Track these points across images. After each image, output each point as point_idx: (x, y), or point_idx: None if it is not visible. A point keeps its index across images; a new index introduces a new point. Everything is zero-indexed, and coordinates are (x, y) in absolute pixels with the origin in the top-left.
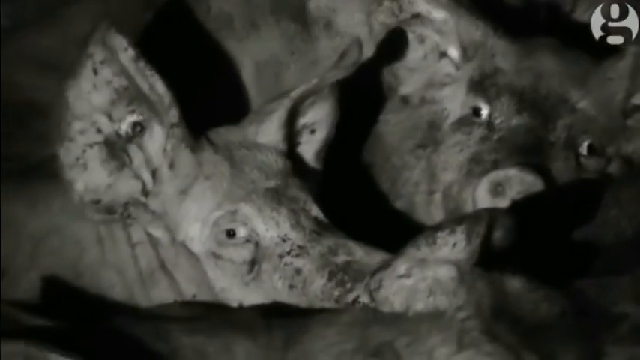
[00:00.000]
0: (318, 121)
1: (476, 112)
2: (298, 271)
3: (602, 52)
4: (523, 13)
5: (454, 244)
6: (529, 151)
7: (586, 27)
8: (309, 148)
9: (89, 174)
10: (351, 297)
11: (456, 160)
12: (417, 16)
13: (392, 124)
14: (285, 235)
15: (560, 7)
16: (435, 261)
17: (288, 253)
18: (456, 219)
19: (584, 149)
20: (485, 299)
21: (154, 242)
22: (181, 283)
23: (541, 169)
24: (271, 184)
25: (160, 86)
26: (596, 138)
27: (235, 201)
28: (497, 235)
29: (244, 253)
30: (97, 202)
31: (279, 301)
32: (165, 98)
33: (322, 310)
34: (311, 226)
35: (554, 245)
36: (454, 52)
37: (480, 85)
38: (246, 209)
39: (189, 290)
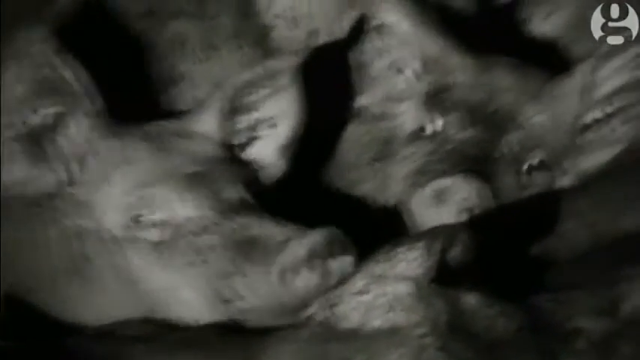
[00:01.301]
0: (278, 115)
1: (428, 125)
2: (208, 248)
3: (557, 62)
4: (483, 23)
5: (412, 261)
6: (476, 163)
7: (542, 38)
8: (270, 142)
9: (13, 167)
10: (255, 269)
11: (405, 171)
12: (384, 25)
13: (350, 141)
14: (199, 214)
15: (517, 16)
16: (393, 277)
17: (202, 230)
18: (415, 235)
19: (534, 163)
20: (442, 316)
21: (80, 233)
22: (103, 271)
23: (486, 178)
24: (194, 169)
25: (83, 76)
26: (547, 153)
27: (151, 184)
28: (455, 251)
29: (157, 233)
30: (23, 194)
31: (188, 278)
32: (88, 88)
33: (279, 328)
34: (227, 205)
35: (511, 260)
36: (415, 66)
37: (434, 99)
38: (160, 191)
39: (109, 279)
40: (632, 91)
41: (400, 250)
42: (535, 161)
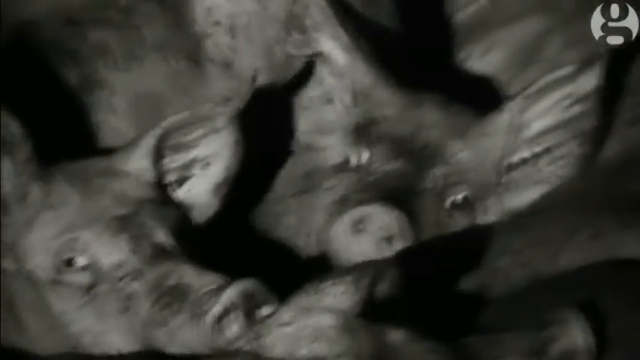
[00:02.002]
0: (212, 155)
1: (353, 157)
2: (131, 296)
3: (494, 100)
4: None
5: (339, 295)
6: (398, 194)
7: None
8: (202, 182)
9: None
10: (178, 320)
11: (327, 202)
12: (319, 54)
13: (280, 174)
14: (123, 260)
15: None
16: (319, 309)
17: (125, 277)
18: (342, 270)
19: (458, 199)
20: (365, 349)
21: (5, 274)
22: (23, 314)
23: (407, 210)
24: (122, 211)
25: (12, 124)
26: (470, 190)
27: (77, 229)
28: (383, 287)
29: (83, 279)
30: None
31: (113, 324)
32: (17, 136)
33: (206, 356)
34: (151, 251)
35: (441, 296)
36: (345, 98)
37: (361, 132)
38: (86, 236)
39: (32, 320)
40: (560, 131)
41: (327, 284)
42: (458, 197)
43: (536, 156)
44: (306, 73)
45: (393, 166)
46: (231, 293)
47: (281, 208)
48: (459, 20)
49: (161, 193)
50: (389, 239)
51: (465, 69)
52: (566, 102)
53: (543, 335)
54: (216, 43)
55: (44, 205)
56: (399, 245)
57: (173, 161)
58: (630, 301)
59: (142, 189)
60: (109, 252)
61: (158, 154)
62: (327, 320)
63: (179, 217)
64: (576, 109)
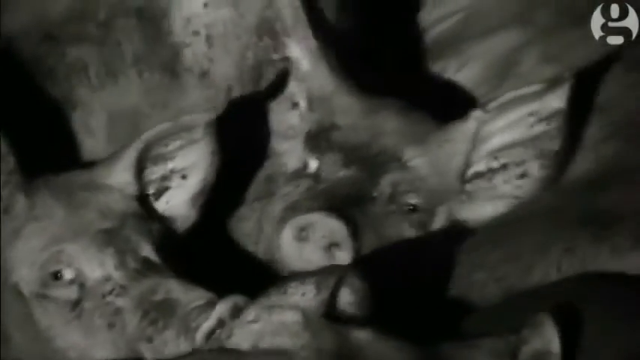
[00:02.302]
0: (189, 166)
1: (306, 165)
2: (118, 311)
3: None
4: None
5: (303, 294)
6: (349, 202)
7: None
8: (180, 193)
9: None
10: (165, 335)
11: (278, 209)
12: (287, 59)
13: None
14: (109, 274)
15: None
16: (283, 306)
17: (110, 292)
18: (308, 271)
19: (410, 206)
20: (327, 344)
21: None
22: (9, 327)
23: (351, 217)
24: (106, 225)
25: None
26: (425, 197)
27: (62, 242)
28: (346, 292)
29: (69, 293)
30: None
31: (99, 339)
32: (0, 148)
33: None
34: (136, 266)
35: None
36: (303, 103)
37: (315, 139)
38: (71, 250)
39: (17, 334)
40: (520, 149)
41: (292, 284)
42: (411, 204)
43: (492, 171)
44: (279, 82)
45: (345, 173)
46: (221, 309)
47: (242, 213)
48: (435, 34)
49: (144, 206)
50: (332, 247)
51: (441, 83)
52: (530, 120)
53: (515, 338)
54: (194, 52)
55: (29, 218)
56: (342, 254)
57: (152, 173)
58: (603, 310)
59: (126, 202)
60: (95, 266)
61: (140, 167)
62: (290, 316)
63: (162, 230)
64: (539, 129)
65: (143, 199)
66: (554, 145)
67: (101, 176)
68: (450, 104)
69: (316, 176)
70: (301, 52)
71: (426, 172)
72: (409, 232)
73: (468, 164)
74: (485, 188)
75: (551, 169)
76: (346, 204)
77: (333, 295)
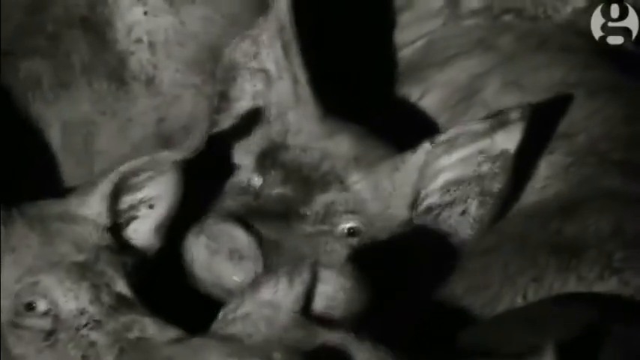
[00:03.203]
0: (156, 196)
1: (250, 181)
2: (92, 344)
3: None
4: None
5: (276, 289)
6: (272, 217)
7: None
8: (147, 223)
9: None
10: None
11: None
12: (263, 71)
13: None
14: (84, 308)
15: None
16: (252, 302)
17: (85, 326)
18: (284, 267)
19: (345, 228)
20: (297, 341)
21: None
22: None
23: (264, 232)
24: (80, 257)
25: None
26: (363, 221)
27: (37, 273)
28: (326, 289)
29: (43, 324)
30: None
31: None
32: None
33: None
34: (111, 302)
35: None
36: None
37: (264, 156)
38: (46, 282)
39: None
40: (465, 187)
41: (264, 279)
42: (346, 226)
43: (442, 206)
44: (251, 118)
45: (279, 191)
46: None
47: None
48: (399, 59)
49: (116, 238)
50: (239, 260)
51: (404, 110)
52: (479, 158)
53: None
54: (139, 60)
55: (5, 248)
56: (249, 267)
57: (123, 203)
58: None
59: (99, 234)
60: (70, 299)
61: (113, 199)
62: (260, 312)
63: (133, 262)
64: (486, 168)
65: (115, 230)
66: (496, 185)
67: (75, 207)
68: (412, 131)
69: (257, 194)
70: (276, 67)
71: (369, 196)
72: (341, 253)
73: (418, 196)
74: (433, 222)
75: (489, 210)
76: (268, 219)
77: (308, 291)
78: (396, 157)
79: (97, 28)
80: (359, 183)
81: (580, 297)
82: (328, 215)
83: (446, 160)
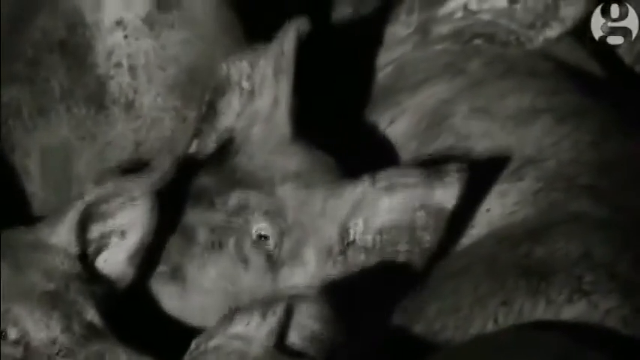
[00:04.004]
0: (128, 225)
1: None
2: None
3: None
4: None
5: (248, 323)
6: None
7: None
8: (118, 253)
9: None
10: None
11: None
12: (252, 92)
13: None
14: (55, 337)
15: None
16: (224, 336)
17: (57, 354)
18: (258, 302)
19: (258, 230)
20: None
21: None
22: None
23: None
24: (51, 286)
25: None
26: (277, 228)
27: (8, 301)
28: (305, 322)
29: (14, 352)
30: None
31: None
32: None
33: None
34: (82, 331)
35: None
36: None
37: (212, 159)
38: (17, 311)
39: None
40: (398, 233)
41: (239, 312)
42: (257, 231)
43: (374, 247)
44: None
45: (203, 180)
46: None
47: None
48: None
49: (86, 267)
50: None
51: (374, 137)
52: (416, 207)
53: None
54: (119, 84)
55: None
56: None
57: (93, 232)
58: None
59: (69, 263)
60: (41, 329)
61: (82, 227)
62: (232, 345)
63: (104, 291)
64: (421, 218)
65: (84, 259)
66: (426, 239)
67: (45, 235)
68: (381, 159)
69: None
70: (270, 96)
71: (291, 204)
72: (254, 256)
73: (347, 229)
74: (363, 261)
75: (415, 261)
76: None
77: (283, 325)
78: (335, 184)
79: (76, 51)
80: (287, 192)
81: (552, 323)
82: (241, 209)
83: (386, 203)
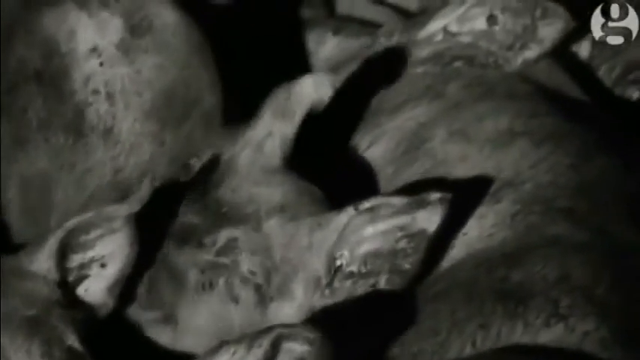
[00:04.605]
0: (108, 255)
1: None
2: None
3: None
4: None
5: (234, 353)
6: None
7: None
8: (98, 282)
9: None
10: None
11: None
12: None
13: None
14: None
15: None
16: None
17: None
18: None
19: (246, 270)
20: None
21: None
22: None
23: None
24: (32, 312)
25: None
26: (261, 264)
27: None
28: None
29: None
30: None
31: None
32: None
33: None
34: (62, 355)
35: None
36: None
37: (196, 192)
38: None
39: None
40: (380, 260)
41: (226, 344)
42: (249, 270)
43: (360, 275)
44: (210, 168)
45: (190, 219)
46: None
47: None
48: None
49: (67, 294)
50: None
51: (353, 159)
52: (398, 234)
53: None
54: (97, 111)
55: None
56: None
57: (73, 261)
58: None
59: (49, 289)
60: (21, 354)
61: (61, 255)
62: None
63: (86, 317)
64: (403, 244)
65: (65, 287)
66: (407, 265)
67: (25, 263)
68: (360, 183)
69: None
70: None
71: (279, 242)
72: (243, 293)
73: (334, 259)
74: (349, 290)
75: (397, 284)
76: (171, 244)
77: (269, 356)
78: (320, 215)
79: (52, 81)
80: (273, 228)
81: (529, 347)
82: (228, 249)
83: (369, 231)
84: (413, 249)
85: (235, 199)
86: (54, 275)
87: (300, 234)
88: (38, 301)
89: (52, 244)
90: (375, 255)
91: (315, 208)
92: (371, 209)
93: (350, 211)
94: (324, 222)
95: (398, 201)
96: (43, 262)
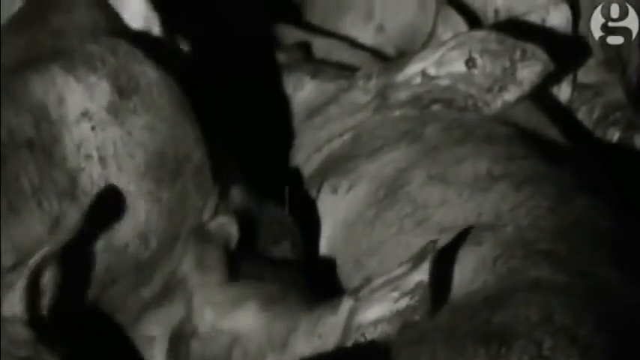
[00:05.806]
0: None
1: None
2: None
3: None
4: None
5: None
6: None
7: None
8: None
9: None
10: None
11: None
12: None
13: None
14: None
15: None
16: None
17: None
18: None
19: None
20: None
21: None
22: None
23: None
24: (23, 353)
25: None
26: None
27: None
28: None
29: None
30: None
31: None
32: None
33: None
34: None
35: None
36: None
37: (175, 345)
38: None
39: None
40: (384, 325)
41: None
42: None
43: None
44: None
45: None
46: None
47: None
48: (326, 152)
49: (39, 334)
50: None
51: (329, 204)
52: (394, 295)
53: None
54: (90, 175)
55: None
56: None
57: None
58: None
59: (25, 331)
60: None
61: (30, 291)
62: None
63: (72, 349)
64: (403, 303)
65: (41, 325)
66: (416, 318)
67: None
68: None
69: None
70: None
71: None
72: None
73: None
74: None
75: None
76: None
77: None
78: (313, 321)
79: (44, 148)
80: None
81: None
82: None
83: (366, 314)
84: (418, 302)
85: (218, 348)
86: (26, 316)
87: (301, 352)
88: (23, 343)
89: (21, 285)
90: (376, 323)
91: (298, 315)
92: (369, 297)
93: (349, 303)
94: (321, 328)
95: (395, 273)
96: (14, 305)
